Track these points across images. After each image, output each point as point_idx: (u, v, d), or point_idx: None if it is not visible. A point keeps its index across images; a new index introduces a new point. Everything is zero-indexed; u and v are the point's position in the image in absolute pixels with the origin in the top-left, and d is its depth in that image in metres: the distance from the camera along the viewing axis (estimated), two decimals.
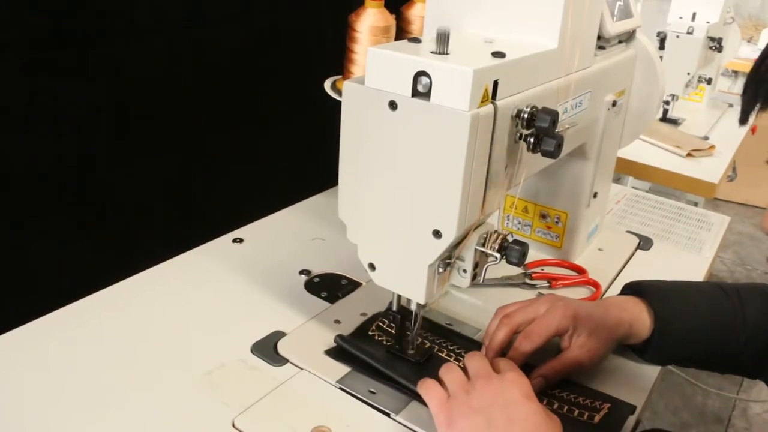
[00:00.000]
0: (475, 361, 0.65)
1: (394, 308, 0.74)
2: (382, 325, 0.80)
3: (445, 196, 0.59)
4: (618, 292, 0.83)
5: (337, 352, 0.76)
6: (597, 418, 0.69)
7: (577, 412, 0.69)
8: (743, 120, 0.65)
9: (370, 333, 0.79)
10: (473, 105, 0.56)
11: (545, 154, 0.62)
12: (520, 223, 1.02)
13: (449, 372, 0.65)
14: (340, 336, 0.77)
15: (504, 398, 0.59)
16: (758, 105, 0.62)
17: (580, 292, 0.92)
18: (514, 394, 0.60)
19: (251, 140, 1.21)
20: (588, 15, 0.75)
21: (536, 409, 0.59)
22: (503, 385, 0.61)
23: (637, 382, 0.77)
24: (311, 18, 1.20)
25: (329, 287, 0.90)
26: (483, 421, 0.58)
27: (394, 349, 0.75)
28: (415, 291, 0.66)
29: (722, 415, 2.09)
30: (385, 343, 0.77)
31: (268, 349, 0.76)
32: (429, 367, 0.72)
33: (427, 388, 0.64)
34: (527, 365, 0.71)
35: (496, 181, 0.64)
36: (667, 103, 1.95)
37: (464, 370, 0.65)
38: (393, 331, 0.78)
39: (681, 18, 1.86)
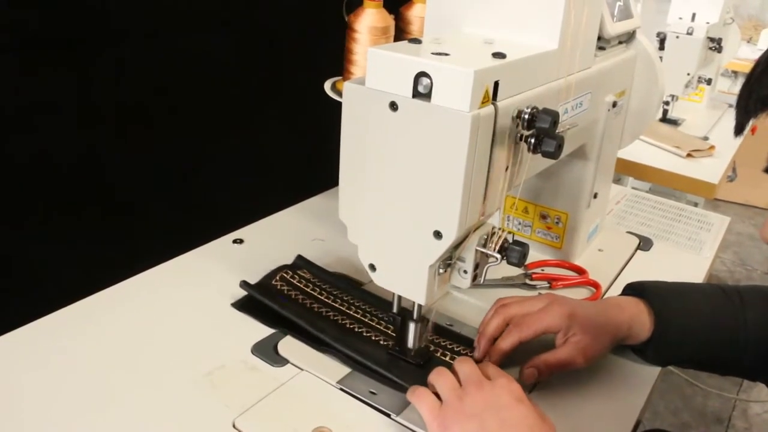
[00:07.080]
0: (465, 366, 0.65)
1: (395, 309, 0.74)
2: (286, 276, 0.86)
3: (446, 196, 0.59)
4: (618, 292, 0.83)
5: (242, 304, 0.82)
6: None
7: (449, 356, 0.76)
8: (738, 131, 0.64)
9: (273, 282, 0.84)
10: (474, 106, 0.56)
11: (546, 154, 0.62)
12: (520, 223, 1.02)
13: (440, 377, 0.64)
14: (245, 282, 0.82)
15: (497, 403, 0.60)
16: (751, 116, 0.62)
17: (581, 293, 0.92)
18: (506, 399, 0.60)
19: (251, 141, 1.21)
20: (588, 16, 0.75)
21: (529, 412, 0.59)
22: (495, 390, 0.61)
23: (637, 382, 0.77)
24: (311, 18, 1.19)
25: None
26: (476, 426, 0.58)
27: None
28: (415, 292, 0.66)
29: (722, 416, 2.09)
30: (286, 292, 0.83)
31: (268, 349, 0.76)
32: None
33: (418, 396, 0.64)
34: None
35: (496, 181, 0.64)
36: (666, 103, 1.95)
37: (453, 372, 0.65)
38: (296, 282, 0.84)
39: (681, 18, 1.86)
